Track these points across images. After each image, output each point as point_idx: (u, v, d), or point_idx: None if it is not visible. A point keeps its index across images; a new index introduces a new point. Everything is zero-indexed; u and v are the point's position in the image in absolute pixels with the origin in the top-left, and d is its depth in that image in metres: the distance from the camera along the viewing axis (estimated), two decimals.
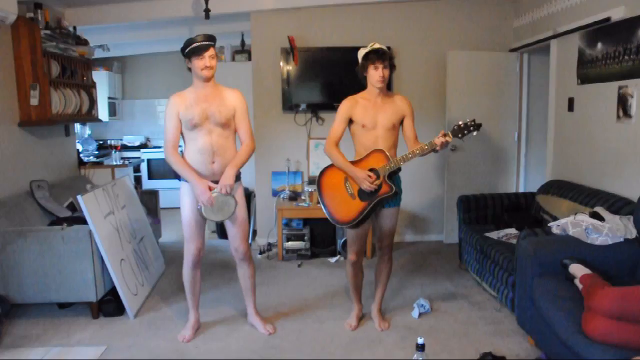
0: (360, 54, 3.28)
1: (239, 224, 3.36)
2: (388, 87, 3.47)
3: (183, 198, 3.29)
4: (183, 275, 3.43)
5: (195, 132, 3.17)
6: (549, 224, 3.41)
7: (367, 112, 3.27)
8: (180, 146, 3.23)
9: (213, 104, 3.18)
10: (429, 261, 5.04)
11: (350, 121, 3.32)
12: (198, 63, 3.11)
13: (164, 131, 3.24)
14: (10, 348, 3.33)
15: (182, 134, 3.23)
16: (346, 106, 3.30)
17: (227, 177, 3.17)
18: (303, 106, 5.46)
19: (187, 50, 3.11)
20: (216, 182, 3.19)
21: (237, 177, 3.29)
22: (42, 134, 4.77)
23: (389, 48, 3.45)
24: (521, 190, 5.65)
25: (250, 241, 5.60)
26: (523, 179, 5.68)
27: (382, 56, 3.18)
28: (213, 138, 3.18)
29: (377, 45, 3.24)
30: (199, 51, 3.09)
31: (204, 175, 3.19)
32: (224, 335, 3.49)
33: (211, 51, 3.13)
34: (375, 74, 3.21)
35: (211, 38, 3.14)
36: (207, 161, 3.19)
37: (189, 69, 3.20)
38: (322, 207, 3.35)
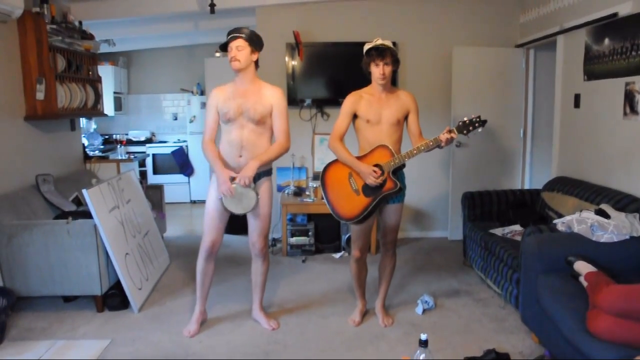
0: (365, 49, 3.27)
1: (260, 218, 3.37)
2: (393, 83, 3.45)
3: (210, 189, 3.35)
4: (197, 266, 3.46)
5: (229, 125, 3.22)
6: (554, 221, 3.39)
7: (372, 107, 3.26)
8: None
9: (250, 99, 3.20)
10: (433, 257, 5.04)
11: (355, 116, 3.31)
12: (229, 54, 3.15)
13: (204, 122, 3.32)
14: (15, 340, 3.35)
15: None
16: (350, 101, 3.29)
17: (248, 169, 3.17)
18: (308, 101, 5.46)
19: (225, 43, 3.18)
20: None
21: (268, 173, 3.35)
22: (48, 128, 4.79)
23: (394, 43, 3.43)
24: (526, 187, 5.63)
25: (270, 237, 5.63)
26: (528, 176, 5.66)
27: (383, 53, 3.16)
28: (244, 133, 3.21)
29: (379, 42, 3.21)
30: (229, 42, 3.15)
31: (231, 167, 3.23)
32: (228, 330, 3.50)
33: (238, 42, 3.13)
34: (375, 71, 3.20)
35: (243, 31, 3.16)
36: (235, 154, 3.23)
37: None
38: (326, 202, 3.34)
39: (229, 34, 3.17)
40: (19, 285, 3.67)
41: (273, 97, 3.26)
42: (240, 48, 3.13)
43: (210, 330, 3.49)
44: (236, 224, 5.07)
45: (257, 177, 3.26)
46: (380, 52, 3.16)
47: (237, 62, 3.14)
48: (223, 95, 3.23)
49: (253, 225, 3.41)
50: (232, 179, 3.16)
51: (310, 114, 5.57)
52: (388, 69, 3.19)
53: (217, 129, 3.30)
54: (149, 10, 5.49)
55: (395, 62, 3.23)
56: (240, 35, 3.13)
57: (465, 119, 3.21)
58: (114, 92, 7.81)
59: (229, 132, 3.23)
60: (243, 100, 3.19)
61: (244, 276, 4.31)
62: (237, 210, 3.24)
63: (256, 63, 3.26)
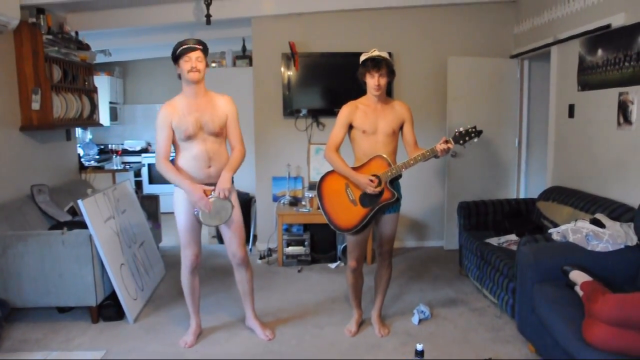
0: (361, 59, 3.29)
1: (235, 227, 3.34)
2: (389, 93, 3.47)
3: (177, 204, 3.27)
4: (182, 282, 3.42)
5: (189, 142, 3.15)
6: (550, 231, 3.41)
7: (368, 118, 3.27)
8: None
9: (205, 113, 3.16)
10: (429, 267, 5.04)
11: (350, 127, 3.31)
12: (185, 65, 3.08)
13: (156, 141, 3.19)
14: (10, 352, 3.33)
15: (173, 142, 3.21)
16: (346, 111, 3.30)
17: (225, 181, 3.16)
18: (304, 111, 5.48)
19: (175, 53, 3.10)
20: (211, 184, 3.18)
21: (232, 181, 3.29)
22: (44, 138, 4.78)
23: (390, 54, 3.45)
24: (522, 196, 5.64)
25: (250, 246, 5.62)
26: (523, 185, 5.67)
27: (378, 64, 3.17)
28: (208, 145, 3.18)
29: (376, 53, 3.24)
30: (186, 52, 3.07)
31: (199, 179, 3.18)
32: (224, 340, 3.48)
33: (198, 53, 3.10)
34: (371, 82, 3.22)
35: (200, 43, 3.13)
36: (203, 166, 3.18)
37: (179, 76, 3.18)
38: (323, 213, 3.34)
39: (182, 44, 3.09)
40: (14, 296, 3.64)
41: (226, 106, 3.25)
42: (200, 59, 3.10)
43: (205, 340, 3.48)
44: None
45: None
46: (376, 64, 3.18)
47: (198, 72, 3.09)
48: (176, 112, 3.13)
49: (230, 236, 3.36)
50: (205, 193, 3.13)
51: (305, 123, 5.58)
52: (383, 80, 3.20)
53: (171, 147, 3.20)
54: (145, 21, 5.50)
55: (391, 74, 3.24)
56: (199, 47, 3.11)
57: (461, 129, 3.23)
58: (110, 102, 7.81)
59: (190, 148, 3.16)
60: (199, 114, 3.14)
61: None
62: (214, 222, 3.22)
63: None
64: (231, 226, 3.33)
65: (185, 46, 3.09)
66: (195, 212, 3.17)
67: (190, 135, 3.12)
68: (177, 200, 3.26)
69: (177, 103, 3.19)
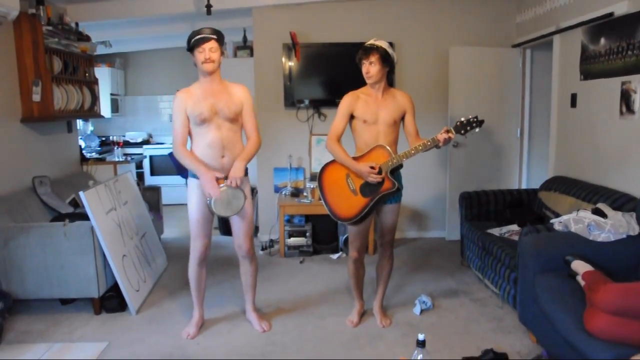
0: None
1: (246, 220, 3.35)
2: (390, 83, 3.45)
3: (191, 195, 3.26)
4: (189, 272, 3.42)
5: (204, 127, 3.14)
6: (551, 221, 3.40)
7: (369, 108, 3.26)
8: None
9: (221, 99, 3.16)
10: (430, 258, 5.04)
11: (352, 117, 3.31)
12: (199, 56, 3.08)
13: (173, 128, 3.21)
14: (12, 343, 3.34)
15: (189, 130, 3.20)
16: (347, 101, 3.29)
17: (237, 170, 3.15)
18: (305, 102, 5.46)
19: (190, 44, 3.09)
20: (225, 175, 3.17)
21: (246, 172, 3.27)
22: (45, 130, 4.78)
23: (391, 44, 3.43)
24: (523, 186, 5.64)
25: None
26: (525, 176, 5.66)
27: (367, 52, 3.18)
28: (223, 132, 3.17)
29: (371, 41, 3.24)
30: (199, 43, 3.06)
31: (213, 169, 3.17)
32: (226, 331, 3.50)
33: (212, 44, 3.08)
34: (362, 70, 3.23)
35: (215, 32, 3.11)
36: (217, 155, 3.17)
37: (195, 65, 3.17)
38: (324, 203, 3.34)
39: (196, 34, 3.08)
40: (16, 288, 3.65)
41: (242, 95, 3.24)
42: (213, 50, 3.09)
43: (207, 331, 3.49)
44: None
45: None
46: (365, 50, 3.19)
47: (212, 63, 3.09)
48: (191, 97, 3.14)
49: (239, 227, 3.37)
50: (217, 182, 3.12)
51: (307, 114, 5.57)
52: (373, 68, 3.19)
53: (188, 133, 3.20)
54: (145, 12, 5.48)
55: (385, 62, 3.21)
56: (213, 36, 3.09)
57: (462, 119, 3.22)
58: (111, 94, 7.80)
59: (205, 134, 3.15)
60: (214, 100, 3.14)
61: (240, 276, 4.30)
62: (227, 212, 3.19)
63: None
64: (243, 218, 3.33)
65: (199, 36, 3.07)
66: (208, 202, 3.14)
67: (205, 119, 3.11)
68: (191, 190, 3.26)
69: (193, 89, 3.20)
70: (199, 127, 3.16)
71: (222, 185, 3.12)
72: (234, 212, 3.21)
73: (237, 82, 3.31)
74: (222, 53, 3.18)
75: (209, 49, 3.07)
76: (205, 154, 3.17)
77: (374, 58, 3.18)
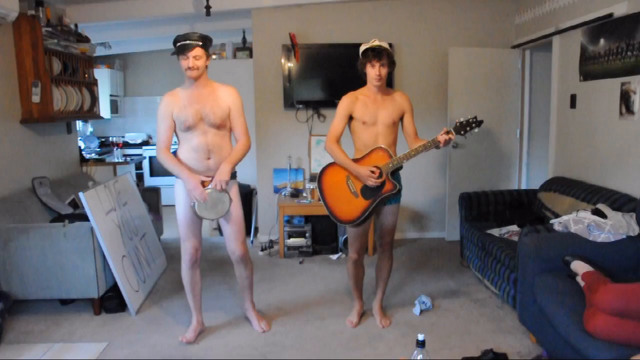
0: (361, 50, 3.27)
1: (233, 222, 3.29)
2: (389, 84, 3.45)
3: (177, 196, 3.24)
4: (182, 277, 3.38)
5: (189, 133, 3.12)
6: (551, 221, 3.40)
7: (368, 109, 3.25)
8: (174, 144, 3.17)
9: (207, 104, 3.11)
10: (430, 258, 5.04)
11: (350, 118, 3.30)
12: (183, 63, 3.05)
13: (157, 131, 3.17)
14: (12, 344, 3.34)
15: (175, 133, 3.18)
16: (346, 102, 3.28)
17: (222, 173, 3.12)
18: (304, 103, 5.46)
19: (175, 50, 3.06)
20: (211, 177, 3.15)
21: (233, 175, 3.24)
22: (44, 131, 4.78)
23: (390, 45, 3.43)
24: (523, 187, 5.64)
25: (252, 238, 5.62)
26: (525, 176, 5.66)
27: (379, 54, 3.15)
28: (208, 138, 3.13)
29: (376, 43, 3.21)
30: (182, 50, 3.02)
31: (199, 171, 3.15)
32: (226, 331, 3.49)
33: (196, 51, 3.02)
34: (371, 72, 3.19)
35: (200, 38, 3.05)
36: (202, 157, 3.14)
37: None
38: (324, 206, 3.33)
39: (180, 40, 3.03)
40: (16, 289, 3.65)
41: (229, 97, 3.19)
42: (198, 57, 3.03)
43: (207, 331, 3.48)
44: None
45: None
46: (376, 53, 3.15)
47: (196, 70, 3.05)
48: (177, 102, 3.09)
49: (229, 232, 3.32)
50: (203, 184, 3.11)
51: (306, 115, 5.57)
52: (384, 70, 3.19)
53: (172, 137, 3.17)
54: (144, 13, 5.48)
55: (392, 64, 3.23)
56: (198, 43, 3.03)
57: (462, 119, 3.23)
58: (110, 95, 7.80)
59: (190, 139, 3.12)
60: (200, 105, 3.09)
61: None
62: (211, 215, 3.17)
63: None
64: (229, 221, 3.28)
65: (182, 43, 3.02)
66: (192, 204, 3.13)
67: (190, 126, 3.09)
68: (177, 193, 3.24)
69: (178, 93, 3.15)
70: (184, 133, 3.13)
71: (207, 187, 3.10)
72: (219, 215, 3.18)
73: (226, 84, 3.24)
74: (208, 56, 3.12)
75: (192, 57, 3.02)
76: (190, 157, 3.15)
77: (385, 60, 3.16)
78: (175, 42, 3.07)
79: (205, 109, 3.10)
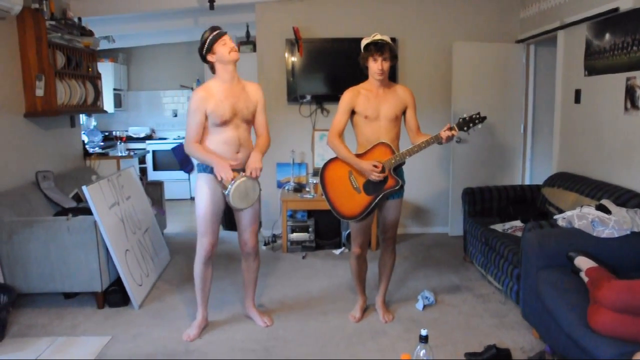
0: (362, 44, 3.25)
1: (254, 215, 3.34)
2: (392, 78, 3.44)
3: (201, 189, 3.19)
4: (194, 271, 3.35)
5: (222, 127, 3.11)
6: (555, 217, 3.39)
7: (370, 103, 3.24)
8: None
9: (240, 99, 3.14)
10: (433, 253, 5.04)
11: (353, 112, 3.29)
12: (223, 49, 3.05)
13: (187, 125, 3.13)
14: (16, 337, 3.36)
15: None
16: (348, 97, 3.27)
17: (256, 160, 3.13)
18: (308, 97, 5.45)
19: (208, 42, 3.05)
20: (238, 170, 3.12)
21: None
22: (48, 124, 4.78)
23: (393, 39, 3.42)
24: (527, 182, 5.63)
25: None
26: (529, 172, 5.65)
27: (382, 48, 3.13)
28: (240, 132, 3.16)
29: (378, 37, 3.19)
30: (220, 37, 3.06)
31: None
32: (229, 326, 3.50)
33: (229, 37, 3.13)
34: (374, 66, 3.17)
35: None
36: (232, 151, 3.14)
37: (211, 69, 3.15)
38: (327, 201, 3.32)
39: (216, 29, 3.09)
40: (20, 282, 3.67)
41: (257, 94, 3.25)
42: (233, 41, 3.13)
43: (210, 326, 3.49)
44: (234, 220, 5.06)
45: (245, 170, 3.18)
46: (379, 48, 3.14)
47: (237, 52, 3.08)
48: (212, 98, 3.07)
49: (247, 222, 3.34)
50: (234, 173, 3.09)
51: (310, 110, 5.56)
52: (387, 65, 3.17)
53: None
54: (148, 7, 5.47)
55: (394, 58, 3.21)
56: (226, 32, 3.13)
57: (465, 115, 3.21)
58: (114, 89, 7.80)
59: (222, 132, 3.12)
60: (234, 100, 3.11)
61: (242, 272, 4.31)
62: (242, 204, 3.11)
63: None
64: (252, 213, 3.31)
65: (218, 31, 3.08)
66: (227, 192, 3.03)
67: (226, 121, 3.10)
68: (201, 185, 3.20)
69: (212, 88, 3.13)
70: (217, 127, 3.12)
71: (241, 175, 3.06)
72: (249, 204, 3.15)
73: (250, 81, 3.30)
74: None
75: (229, 39, 3.09)
76: (221, 149, 3.13)
77: (387, 55, 3.15)
78: (206, 39, 3.08)
79: (239, 104, 3.14)
